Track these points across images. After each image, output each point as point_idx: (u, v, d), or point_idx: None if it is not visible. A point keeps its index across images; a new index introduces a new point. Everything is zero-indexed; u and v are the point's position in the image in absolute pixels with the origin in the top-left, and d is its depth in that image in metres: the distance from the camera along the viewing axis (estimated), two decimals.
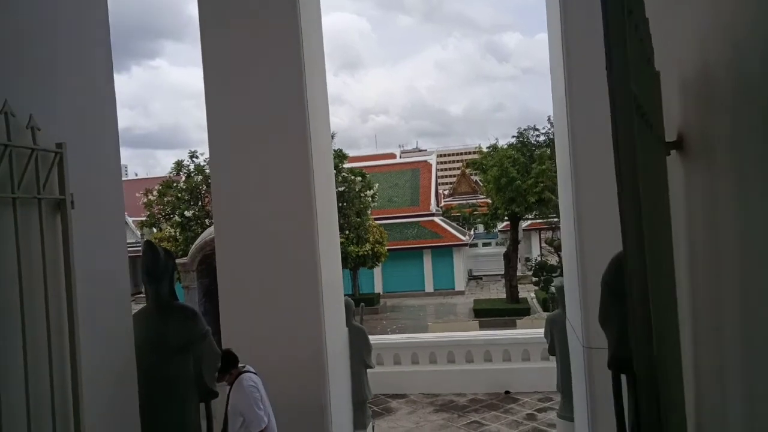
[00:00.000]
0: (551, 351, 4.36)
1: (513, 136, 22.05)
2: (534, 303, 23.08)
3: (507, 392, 8.04)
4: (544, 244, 39.88)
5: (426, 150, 68.18)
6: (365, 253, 21.93)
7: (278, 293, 4.19)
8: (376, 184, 22.52)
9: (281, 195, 4.26)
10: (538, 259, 25.36)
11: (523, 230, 26.32)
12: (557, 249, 42.52)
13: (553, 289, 18.64)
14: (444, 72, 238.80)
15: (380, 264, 25.33)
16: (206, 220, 17.24)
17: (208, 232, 6.42)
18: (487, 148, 22.61)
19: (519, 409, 7.41)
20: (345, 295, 4.84)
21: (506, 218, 22.41)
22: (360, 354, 4.80)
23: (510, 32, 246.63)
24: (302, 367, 3.99)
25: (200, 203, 18.19)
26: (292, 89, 4.12)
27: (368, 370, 4.89)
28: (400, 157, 43.83)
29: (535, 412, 7.18)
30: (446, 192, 48.07)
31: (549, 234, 42.03)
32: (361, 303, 6.13)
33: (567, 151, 3.58)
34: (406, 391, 8.24)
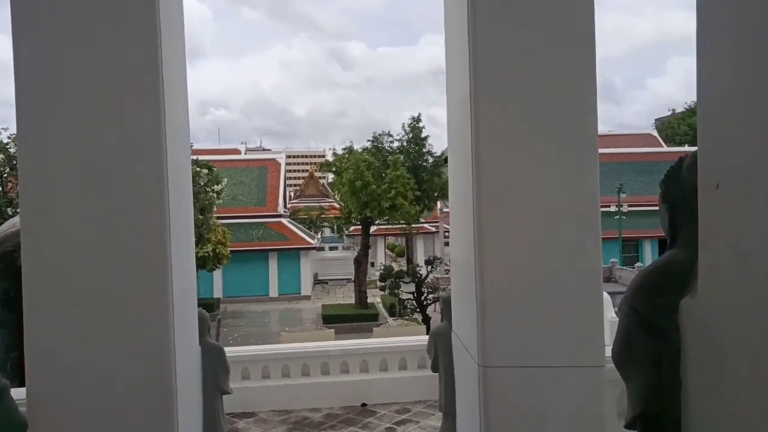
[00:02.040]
0: (434, 367, 4.01)
1: (368, 140, 22.29)
2: (381, 308, 23.36)
3: (364, 405, 7.69)
4: (387, 250, 41.10)
5: (270, 149, 66.50)
6: (206, 254, 20.24)
7: (112, 303, 3.23)
8: (225, 179, 20.91)
9: (121, 179, 3.30)
10: (386, 264, 25.84)
11: (370, 235, 26.67)
12: (398, 255, 44.26)
13: (400, 293, 18.96)
14: (289, 72, 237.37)
15: (221, 266, 23.66)
16: (8, 210, 14.34)
17: (10, 224, 5.23)
18: (342, 149, 22.52)
19: (377, 422, 7.08)
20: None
21: (358, 222, 22.40)
22: (215, 377, 4.01)
23: (355, 41, 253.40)
24: (144, 396, 3.12)
25: (0, 188, 15.12)
26: (139, 43, 3.23)
27: (224, 396, 4.10)
28: (245, 155, 41.93)
29: (394, 426, 6.91)
30: (292, 194, 47.23)
31: (391, 240, 43.55)
32: (218, 315, 5.27)
33: (468, 153, 3.24)
34: (255, 409, 7.46)
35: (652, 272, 1.33)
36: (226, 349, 7.40)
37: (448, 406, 3.87)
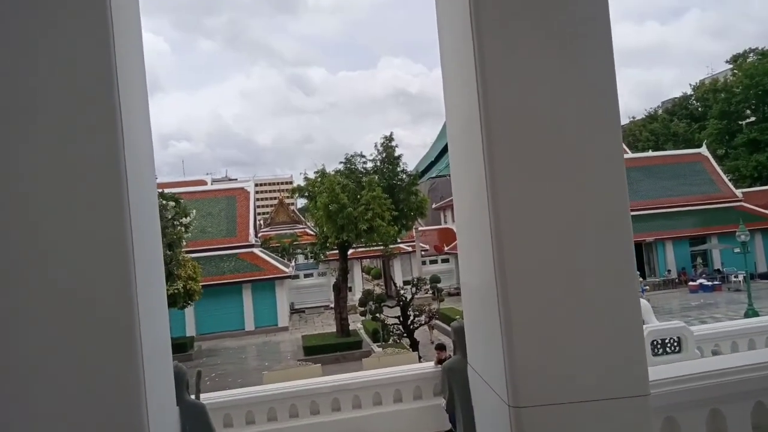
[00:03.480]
0: (450, 408, 3.53)
1: (340, 162, 21.85)
2: (363, 334, 22.59)
3: None
4: (363, 273, 40.45)
5: (237, 179, 65.62)
6: (176, 291, 19.33)
7: (70, 366, 2.73)
8: (193, 211, 20.06)
9: (73, 220, 2.81)
10: (364, 287, 25.22)
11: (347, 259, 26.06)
12: (375, 277, 43.62)
13: (384, 318, 18.31)
14: (250, 101, 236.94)
15: (193, 303, 22.71)
16: None
17: None
18: (314, 173, 21.93)
19: None
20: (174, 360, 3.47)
21: (335, 247, 21.81)
22: None
23: (315, 67, 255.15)
24: None
25: None
26: (94, 77, 2.83)
27: None
28: (212, 185, 40.98)
29: None
30: (261, 222, 46.34)
31: (366, 263, 42.94)
32: (198, 369, 4.69)
33: (480, 169, 2.88)
34: None
35: None
36: (203, 395, 6.76)
37: None
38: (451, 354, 7.10)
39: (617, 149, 2.79)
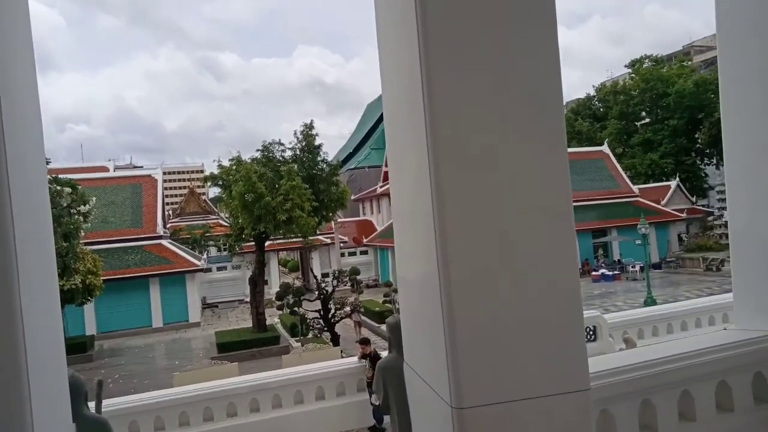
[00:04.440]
0: (385, 409, 3.32)
1: (257, 150, 20.90)
2: (281, 329, 22.00)
3: None
4: (280, 266, 39.56)
5: (143, 167, 61.89)
6: (73, 286, 17.75)
7: None
8: (93, 198, 18.42)
9: None
10: (282, 281, 24.54)
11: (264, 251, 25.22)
12: (292, 270, 42.77)
13: (305, 312, 17.86)
14: (156, 84, 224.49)
15: (93, 299, 21.08)
16: None
17: None
18: (229, 161, 20.85)
19: None
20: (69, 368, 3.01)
21: (251, 239, 20.94)
22: None
23: (227, 52, 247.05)
24: None
25: None
26: None
27: None
28: (114, 172, 38.29)
29: None
30: (170, 213, 43.97)
31: (283, 255, 42.01)
32: (99, 378, 4.17)
33: (424, 154, 2.67)
34: None
35: None
36: (106, 402, 6.11)
37: None
38: (376, 350, 6.93)
39: (560, 138, 2.70)
